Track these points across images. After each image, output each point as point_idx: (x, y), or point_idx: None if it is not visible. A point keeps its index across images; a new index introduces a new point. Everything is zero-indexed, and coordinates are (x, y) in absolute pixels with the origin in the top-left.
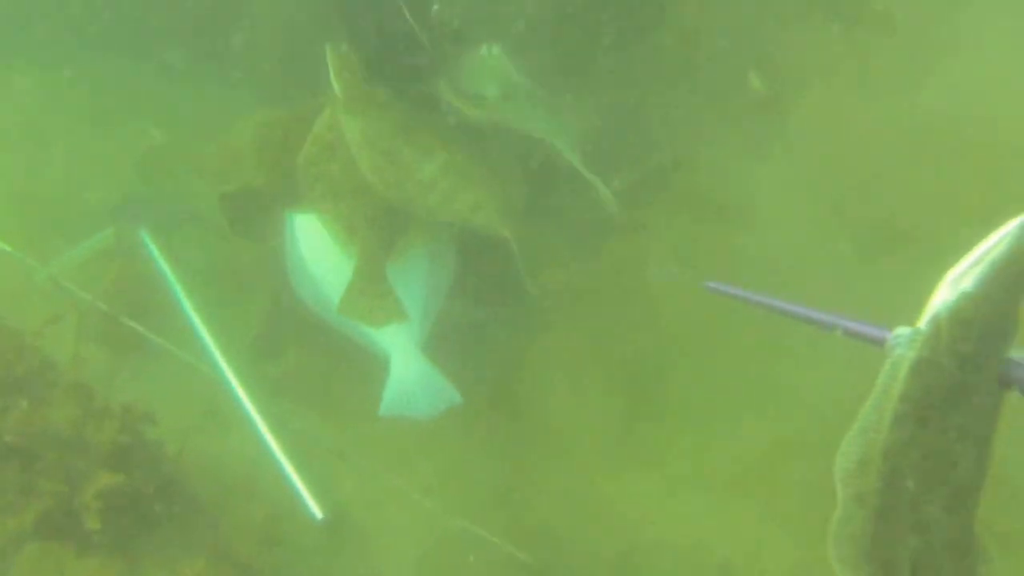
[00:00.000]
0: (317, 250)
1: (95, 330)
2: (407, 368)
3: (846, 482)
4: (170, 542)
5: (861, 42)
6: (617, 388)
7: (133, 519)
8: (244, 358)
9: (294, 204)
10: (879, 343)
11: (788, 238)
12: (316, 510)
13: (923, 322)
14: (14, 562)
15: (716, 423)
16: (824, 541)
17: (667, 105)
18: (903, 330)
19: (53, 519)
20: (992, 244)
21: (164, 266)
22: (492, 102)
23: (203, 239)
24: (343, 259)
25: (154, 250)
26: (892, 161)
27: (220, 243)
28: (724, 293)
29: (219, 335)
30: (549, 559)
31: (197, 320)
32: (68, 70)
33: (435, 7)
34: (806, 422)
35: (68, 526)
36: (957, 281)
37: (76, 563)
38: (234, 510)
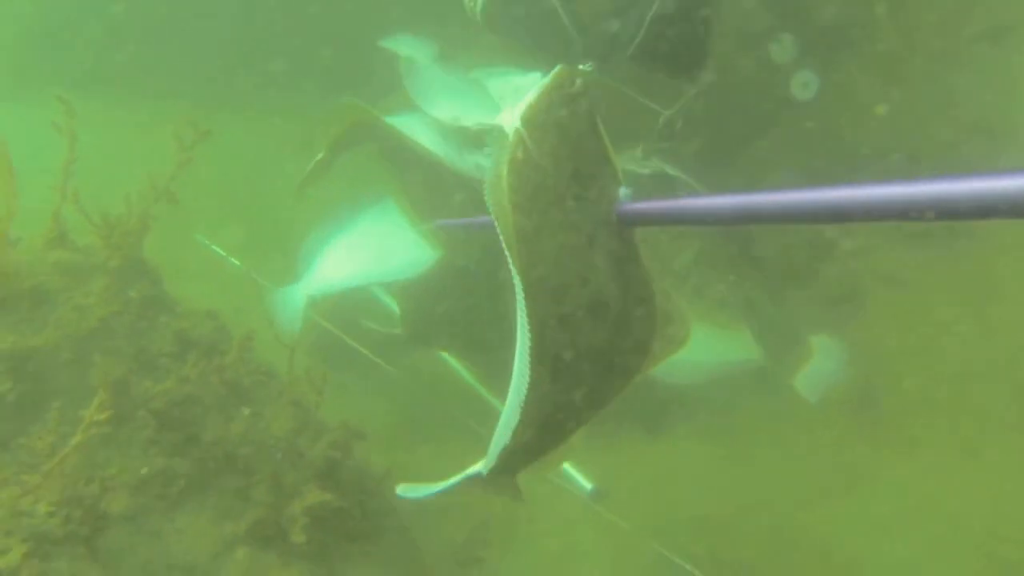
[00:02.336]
0: None
1: (313, 346)
2: None
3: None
4: (371, 558)
5: None
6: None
7: (337, 534)
8: None
9: None
10: None
11: None
12: (585, 482)
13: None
14: (226, 563)
15: (946, 458)
16: None
17: None
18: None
19: (264, 527)
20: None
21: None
22: None
23: None
24: None
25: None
26: None
27: None
28: None
29: None
30: None
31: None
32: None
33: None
34: None
35: (276, 535)
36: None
37: (281, 570)
38: (434, 530)
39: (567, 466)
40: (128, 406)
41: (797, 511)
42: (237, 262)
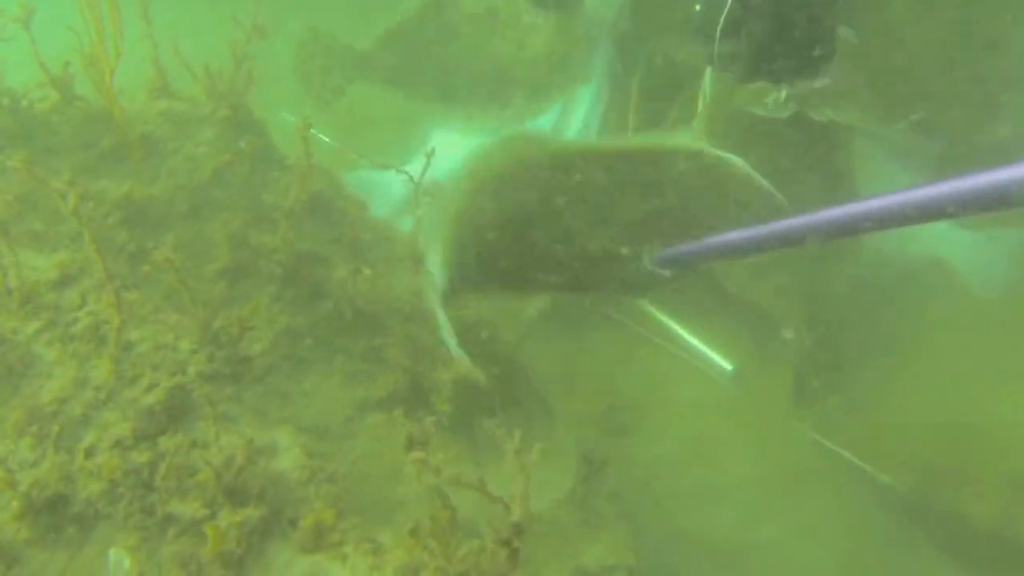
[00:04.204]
0: None
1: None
2: None
3: None
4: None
5: None
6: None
7: (476, 402)
8: None
9: None
10: None
11: None
12: (725, 364)
13: None
14: (359, 429)
15: None
16: None
17: None
18: None
19: (399, 392)
20: None
21: None
22: None
23: None
24: None
25: None
26: None
27: None
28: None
29: None
30: (920, 486)
31: None
32: None
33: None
34: None
35: (413, 399)
36: None
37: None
38: (571, 399)
39: (704, 347)
40: (249, 259)
41: (974, 396)
42: (327, 139)
